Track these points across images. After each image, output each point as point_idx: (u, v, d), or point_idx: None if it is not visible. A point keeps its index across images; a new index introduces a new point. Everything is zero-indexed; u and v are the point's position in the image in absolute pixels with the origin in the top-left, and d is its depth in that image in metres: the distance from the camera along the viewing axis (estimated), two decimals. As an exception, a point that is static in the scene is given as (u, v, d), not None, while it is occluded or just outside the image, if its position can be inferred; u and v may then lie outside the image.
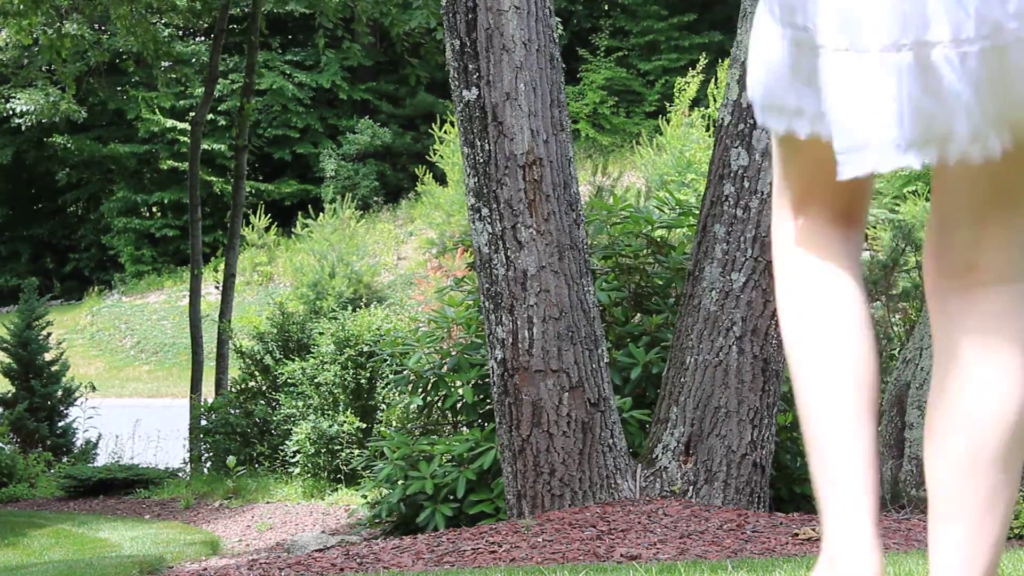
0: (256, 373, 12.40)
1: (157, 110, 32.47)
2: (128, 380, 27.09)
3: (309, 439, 10.62)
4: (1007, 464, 1.55)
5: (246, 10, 18.40)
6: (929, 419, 1.64)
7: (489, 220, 6.05)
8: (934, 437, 1.61)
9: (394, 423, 9.46)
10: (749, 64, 1.72)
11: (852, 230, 1.70)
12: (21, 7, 14.29)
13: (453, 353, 7.27)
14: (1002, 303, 1.61)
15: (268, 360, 12.29)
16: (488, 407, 7.04)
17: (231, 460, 11.58)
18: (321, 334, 11.23)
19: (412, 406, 7.97)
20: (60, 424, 14.06)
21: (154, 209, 34.60)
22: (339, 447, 10.60)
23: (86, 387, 14.27)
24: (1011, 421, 1.54)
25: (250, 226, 30.41)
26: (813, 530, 5.30)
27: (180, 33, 32.78)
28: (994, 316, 1.60)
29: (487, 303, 6.09)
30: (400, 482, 6.95)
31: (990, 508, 1.55)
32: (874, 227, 21.54)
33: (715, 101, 25.85)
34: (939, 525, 1.58)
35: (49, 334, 14.38)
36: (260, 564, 5.43)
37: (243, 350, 12.50)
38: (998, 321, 1.60)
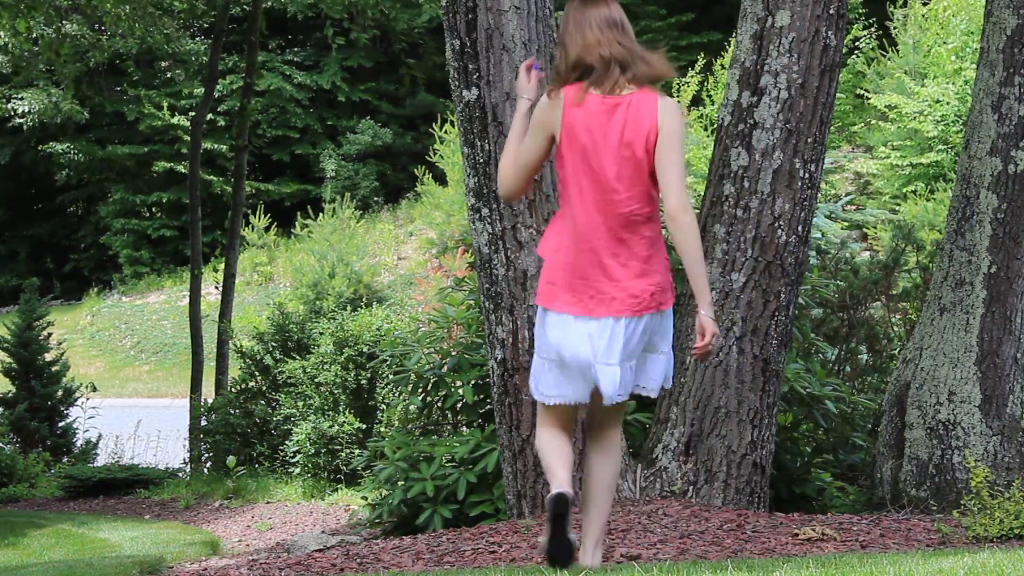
0: (256, 373, 12.40)
1: (165, 105, 32.42)
2: (128, 380, 27.08)
3: (309, 439, 10.62)
4: (609, 491, 4.34)
5: (246, 8, 18.38)
6: (584, 478, 4.38)
7: (489, 220, 6.05)
8: (586, 484, 4.34)
9: (395, 423, 9.46)
10: (534, 375, 4.36)
11: (568, 433, 4.33)
12: (22, 6, 14.26)
13: (453, 353, 7.27)
14: (610, 439, 4.37)
15: (268, 360, 12.28)
16: (488, 407, 7.04)
17: (231, 460, 11.58)
18: (321, 334, 11.23)
19: (412, 406, 7.97)
20: (60, 424, 14.06)
21: (153, 209, 34.58)
22: (339, 447, 10.60)
23: (87, 387, 14.27)
24: (610, 476, 4.35)
25: (250, 226, 30.39)
26: (813, 530, 5.30)
27: (179, 33, 32.74)
28: (606, 443, 4.36)
29: (487, 303, 6.10)
30: (400, 483, 6.95)
31: (603, 504, 4.30)
32: (874, 227, 21.52)
33: (713, 101, 25.86)
34: (587, 510, 4.30)
35: (49, 334, 14.38)
36: (260, 564, 5.43)
37: (243, 350, 12.49)
38: (609, 446, 4.36)
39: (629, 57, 4.19)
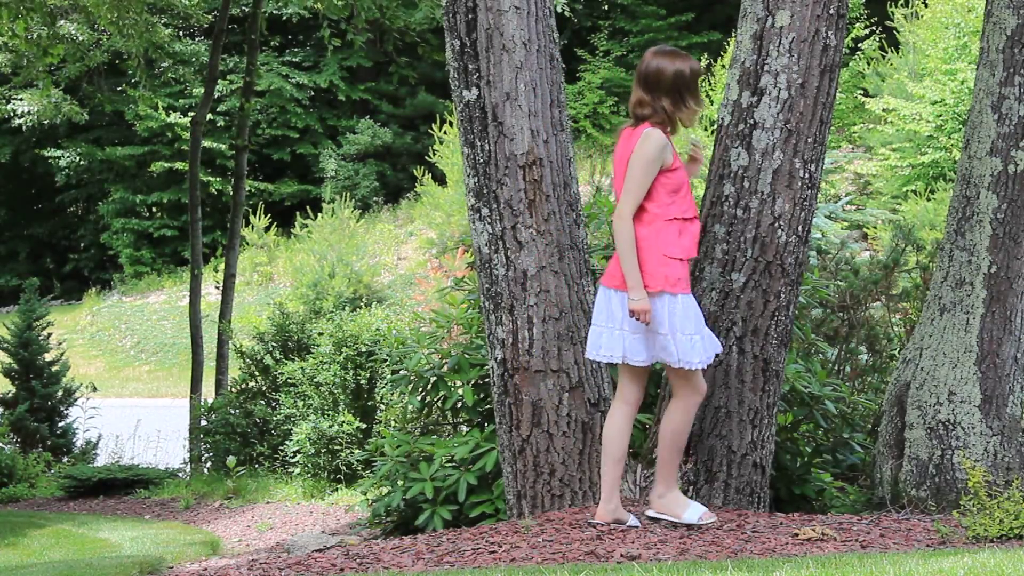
0: (256, 373, 12.39)
1: (160, 106, 32.41)
2: (128, 380, 27.08)
3: (309, 439, 10.62)
4: (682, 435, 5.48)
5: (245, 10, 18.35)
6: (665, 418, 5.51)
7: (489, 220, 6.05)
8: (663, 421, 5.51)
9: (393, 423, 9.46)
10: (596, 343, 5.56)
11: (633, 407, 5.53)
12: (22, 7, 14.23)
13: (453, 353, 7.27)
14: (673, 394, 5.48)
15: (268, 360, 12.28)
16: (488, 407, 7.04)
17: (231, 460, 11.58)
18: (320, 334, 11.23)
19: (411, 407, 7.96)
20: (60, 424, 14.06)
21: (153, 209, 34.57)
22: (339, 447, 10.60)
23: (87, 387, 14.26)
24: (666, 425, 5.51)
25: (250, 226, 30.38)
26: (813, 530, 5.30)
27: (179, 33, 32.74)
28: (673, 400, 5.48)
29: (487, 303, 6.10)
30: (400, 482, 6.95)
31: (664, 450, 5.46)
32: (874, 227, 21.51)
33: (713, 101, 25.83)
34: (662, 450, 5.51)
35: (49, 334, 14.37)
36: (260, 564, 5.43)
37: (243, 350, 12.49)
38: (673, 399, 5.47)
39: (649, 100, 5.43)
